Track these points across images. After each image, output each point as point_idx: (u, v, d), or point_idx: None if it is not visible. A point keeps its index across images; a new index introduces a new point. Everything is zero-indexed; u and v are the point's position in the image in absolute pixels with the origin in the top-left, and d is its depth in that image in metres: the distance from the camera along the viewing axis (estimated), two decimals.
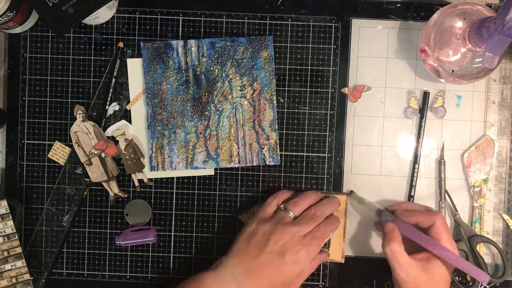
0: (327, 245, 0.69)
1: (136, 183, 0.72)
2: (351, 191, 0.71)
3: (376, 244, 0.72)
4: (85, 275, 0.72)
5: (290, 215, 0.65)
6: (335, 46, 0.71)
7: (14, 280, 0.68)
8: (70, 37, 0.72)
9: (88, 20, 0.69)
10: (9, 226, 0.68)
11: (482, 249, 0.71)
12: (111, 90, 0.71)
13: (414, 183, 0.71)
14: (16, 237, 0.68)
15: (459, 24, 0.63)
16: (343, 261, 0.70)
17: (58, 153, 0.71)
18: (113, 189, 0.71)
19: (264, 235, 0.63)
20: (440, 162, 0.71)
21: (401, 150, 0.71)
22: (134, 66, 0.71)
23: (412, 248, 0.63)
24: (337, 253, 0.70)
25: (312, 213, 0.65)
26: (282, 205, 0.66)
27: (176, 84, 0.71)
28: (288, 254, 0.62)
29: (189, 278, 0.64)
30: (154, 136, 0.71)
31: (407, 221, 0.64)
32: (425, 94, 0.71)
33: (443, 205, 0.71)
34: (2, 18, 0.64)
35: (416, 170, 0.71)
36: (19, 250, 0.68)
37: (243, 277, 0.62)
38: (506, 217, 0.71)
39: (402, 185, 0.71)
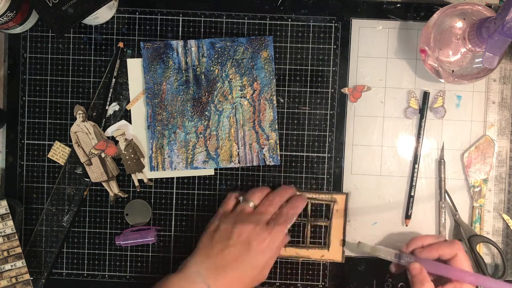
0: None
1: (136, 183, 0.72)
2: (358, 243, 0.69)
3: (376, 244, 0.71)
4: (85, 275, 0.72)
5: (250, 205, 0.66)
6: (335, 46, 0.71)
7: (14, 280, 0.68)
8: (70, 37, 0.72)
9: (88, 20, 0.69)
10: (9, 226, 0.68)
11: (482, 249, 0.71)
12: (111, 90, 0.71)
13: (414, 183, 0.71)
14: (16, 237, 0.68)
15: (459, 24, 0.63)
16: (343, 261, 0.70)
17: (58, 153, 0.71)
18: (113, 189, 0.71)
19: (226, 229, 0.63)
20: (440, 162, 0.71)
21: (401, 150, 0.71)
22: (134, 66, 0.71)
23: (436, 283, 0.62)
24: (337, 253, 0.70)
25: (270, 199, 0.66)
26: (241, 197, 0.67)
27: (176, 84, 0.71)
28: (253, 244, 0.62)
29: (157, 283, 0.63)
30: (154, 136, 0.71)
31: (429, 257, 0.63)
32: (425, 94, 0.71)
33: (443, 205, 0.71)
34: (2, 18, 0.64)
35: (416, 170, 0.71)
36: (19, 250, 0.68)
37: (210, 274, 0.61)
38: (506, 217, 0.71)
39: (402, 185, 0.71)
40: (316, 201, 0.71)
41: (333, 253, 0.70)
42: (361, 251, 0.69)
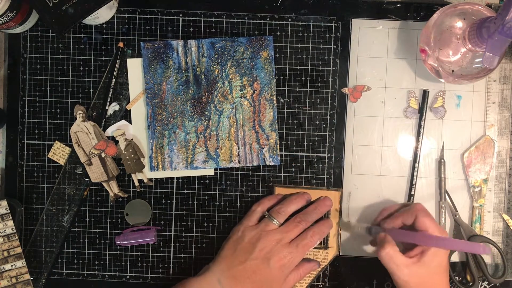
0: (323, 244, 0.70)
1: (136, 183, 0.72)
2: (340, 221, 0.71)
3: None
4: (85, 275, 0.72)
5: (274, 222, 0.66)
6: (335, 46, 0.71)
7: (14, 280, 0.68)
8: (70, 37, 0.72)
9: (88, 20, 0.69)
10: (9, 226, 0.68)
11: None
12: (111, 90, 0.71)
13: (414, 182, 0.71)
14: (16, 237, 0.68)
15: (459, 24, 0.63)
16: (340, 254, 0.71)
17: (58, 153, 0.71)
18: (113, 189, 0.71)
19: (250, 242, 0.65)
20: (440, 162, 0.71)
21: (401, 150, 0.71)
22: (134, 66, 0.71)
23: (405, 251, 0.63)
24: (334, 249, 0.71)
25: (297, 221, 0.66)
26: (267, 213, 0.67)
27: (176, 84, 0.71)
28: (273, 260, 0.63)
29: (175, 285, 0.66)
30: (154, 136, 0.71)
31: (393, 226, 0.64)
32: (424, 93, 0.71)
33: (443, 205, 0.71)
34: (2, 18, 0.64)
35: (416, 169, 0.71)
36: (19, 250, 0.68)
37: (229, 282, 0.63)
38: (506, 217, 0.71)
39: (402, 185, 0.71)
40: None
41: (331, 251, 0.71)
42: (345, 229, 0.71)
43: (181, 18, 0.72)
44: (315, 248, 0.71)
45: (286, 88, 0.72)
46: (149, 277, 0.72)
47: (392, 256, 0.61)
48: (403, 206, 0.67)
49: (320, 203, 0.69)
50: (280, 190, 0.71)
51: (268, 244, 0.64)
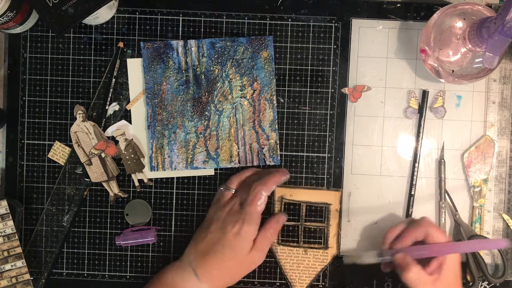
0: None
1: (136, 183, 0.72)
2: (343, 256, 0.71)
3: (376, 244, 0.71)
4: (85, 275, 0.72)
5: (231, 191, 0.67)
6: (335, 46, 0.71)
7: (14, 280, 0.68)
8: (70, 37, 0.72)
9: (88, 20, 0.69)
10: (9, 226, 0.68)
11: None
12: (111, 90, 0.71)
13: (414, 182, 0.71)
14: (16, 237, 0.68)
15: (459, 24, 0.63)
16: (339, 254, 0.71)
17: (58, 153, 0.71)
18: (113, 189, 0.71)
19: (210, 217, 0.67)
20: (440, 162, 0.71)
21: (401, 150, 0.71)
22: (134, 66, 0.71)
23: (422, 265, 0.63)
24: (334, 249, 0.71)
25: (247, 181, 0.67)
26: (222, 186, 0.68)
27: (176, 84, 0.71)
28: (227, 228, 0.64)
29: (152, 278, 0.67)
30: (154, 136, 0.71)
31: (405, 245, 0.64)
32: (424, 93, 0.71)
33: (443, 205, 0.71)
34: (2, 18, 0.64)
35: (416, 169, 0.71)
36: (19, 250, 0.68)
37: (197, 260, 0.64)
38: (506, 217, 0.71)
39: (402, 185, 0.71)
40: (312, 205, 0.71)
41: (331, 251, 0.71)
42: (347, 262, 0.70)
43: (181, 18, 0.72)
44: (315, 248, 0.71)
45: (286, 88, 0.72)
46: (149, 277, 0.72)
47: (419, 277, 0.61)
48: (408, 223, 0.66)
49: (276, 170, 0.68)
50: (281, 191, 0.71)
51: (221, 214, 0.65)
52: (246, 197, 0.65)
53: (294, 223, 0.71)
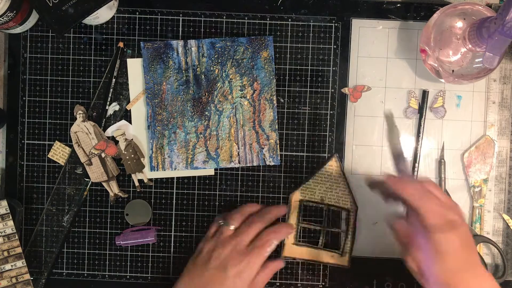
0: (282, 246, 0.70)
1: (136, 183, 0.72)
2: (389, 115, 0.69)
3: (376, 244, 0.72)
4: (85, 275, 0.72)
5: (231, 228, 0.65)
6: (335, 46, 0.71)
7: (14, 280, 0.68)
8: (70, 37, 0.72)
9: (88, 20, 0.69)
10: (9, 226, 0.68)
11: (482, 249, 0.71)
12: (111, 90, 0.71)
13: None
14: (16, 237, 0.68)
15: (459, 24, 0.63)
16: (349, 266, 0.71)
17: (58, 153, 0.71)
18: (113, 189, 0.71)
19: (208, 252, 0.64)
20: (440, 162, 0.71)
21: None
22: (134, 66, 0.71)
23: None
24: (344, 258, 0.71)
25: (250, 221, 0.65)
26: (221, 221, 0.66)
27: (176, 84, 0.71)
28: (229, 267, 0.62)
29: None
30: (154, 136, 0.71)
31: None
32: (424, 93, 0.71)
33: None
34: (2, 18, 0.64)
35: (416, 170, 0.71)
36: (19, 250, 0.68)
37: None
38: (506, 217, 0.71)
39: None
40: (335, 208, 0.71)
41: (343, 259, 0.70)
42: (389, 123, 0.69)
43: (181, 18, 0.72)
44: (330, 250, 0.71)
45: (286, 88, 0.72)
46: (149, 277, 0.72)
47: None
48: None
49: (276, 206, 0.69)
50: (296, 196, 0.71)
51: (223, 251, 0.63)
52: (253, 240, 0.64)
53: (314, 226, 0.71)
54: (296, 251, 0.71)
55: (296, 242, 0.71)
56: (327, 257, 0.71)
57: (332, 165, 0.70)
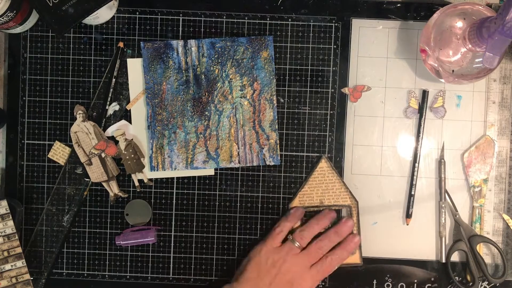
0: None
1: (136, 183, 0.72)
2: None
3: (375, 244, 0.72)
4: (85, 275, 0.72)
5: (297, 245, 0.67)
6: (335, 46, 0.71)
7: (14, 280, 0.68)
8: (70, 37, 0.72)
9: (88, 20, 0.69)
10: (9, 226, 0.68)
11: (482, 249, 0.71)
12: (111, 90, 0.71)
13: (414, 182, 0.71)
14: (16, 237, 0.68)
15: (459, 24, 0.63)
16: (361, 263, 0.71)
17: (58, 153, 0.71)
18: (113, 189, 0.71)
19: (274, 265, 0.66)
20: (440, 162, 0.71)
21: (401, 150, 0.71)
22: (134, 66, 0.71)
23: None
24: (355, 256, 0.71)
25: (318, 246, 0.68)
26: (290, 236, 0.68)
27: (176, 84, 0.71)
28: (295, 284, 0.65)
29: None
30: (154, 136, 0.71)
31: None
32: (424, 93, 0.71)
33: (443, 205, 0.71)
34: (2, 18, 0.64)
35: (416, 169, 0.71)
36: (19, 250, 0.68)
37: None
38: (506, 217, 0.71)
39: (402, 185, 0.71)
40: (337, 207, 0.71)
41: (354, 257, 0.70)
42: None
43: (181, 18, 0.72)
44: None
45: (286, 88, 0.72)
46: (149, 277, 0.72)
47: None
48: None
49: (341, 226, 0.69)
50: (295, 204, 0.71)
51: (292, 268, 0.65)
52: (319, 262, 0.67)
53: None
54: None
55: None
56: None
57: (323, 166, 0.70)
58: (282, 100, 0.72)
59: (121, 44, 0.71)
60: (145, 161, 0.71)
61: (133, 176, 0.71)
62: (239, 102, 0.71)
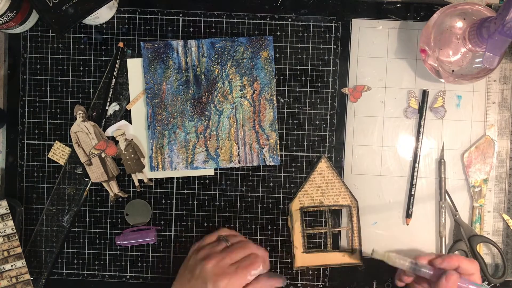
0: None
1: (136, 183, 0.72)
2: (373, 250, 0.66)
3: (375, 244, 0.72)
4: (85, 275, 0.72)
5: (227, 244, 0.64)
6: (335, 46, 0.71)
7: (14, 280, 0.68)
8: (70, 37, 0.72)
9: (88, 20, 0.69)
10: (9, 226, 0.68)
11: (482, 249, 0.71)
12: (111, 90, 0.71)
13: (414, 182, 0.71)
14: (16, 237, 0.68)
15: (459, 24, 0.63)
16: (361, 263, 0.71)
17: (58, 153, 0.71)
18: (113, 189, 0.71)
19: (196, 261, 0.63)
20: (440, 162, 0.71)
21: (401, 150, 0.71)
22: (134, 66, 0.71)
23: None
24: (355, 256, 0.71)
25: (245, 241, 0.65)
26: (223, 236, 0.66)
27: (176, 84, 0.71)
28: (210, 281, 0.61)
29: None
30: (154, 136, 0.71)
31: (449, 267, 0.62)
32: (424, 93, 0.71)
33: (443, 205, 0.71)
34: (2, 18, 0.64)
35: (416, 169, 0.71)
36: (19, 250, 0.68)
37: None
38: (506, 217, 0.71)
39: (402, 185, 0.71)
40: (337, 207, 0.71)
41: (355, 256, 0.70)
42: (375, 257, 0.66)
43: (181, 18, 0.72)
44: (340, 250, 0.71)
45: (286, 88, 0.72)
46: (149, 277, 0.72)
47: None
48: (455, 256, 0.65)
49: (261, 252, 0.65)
50: (296, 205, 0.71)
51: (209, 264, 0.62)
52: (240, 260, 0.63)
53: (320, 230, 0.71)
54: (308, 259, 0.71)
55: (306, 250, 0.71)
56: (339, 258, 0.71)
57: (323, 166, 0.70)
58: (282, 100, 0.72)
59: (121, 44, 0.71)
60: (145, 161, 0.71)
61: (133, 176, 0.71)
62: (239, 102, 0.71)
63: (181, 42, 0.71)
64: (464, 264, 0.62)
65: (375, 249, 0.66)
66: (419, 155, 0.71)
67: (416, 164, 0.71)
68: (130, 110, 0.72)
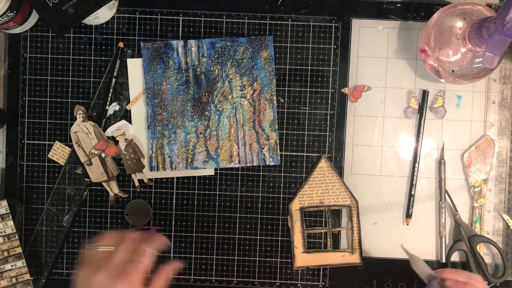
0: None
1: (136, 183, 0.72)
2: (402, 245, 0.69)
3: (375, 244, 0.72)
4: None
5: (99, 250, 0.56)
6: (335, 46, 0.71)
7: (14, 280, 0.68)
8: (70, 37, 0.72)
9: (88, 20, 0.69)
10: (9, 226, 0.68)
11: (482, 249, 0.71)
12: (111, 90, 0.71)
13: (414, 182, 0.71)
14: (16, 237, 0.68)
15: (459, 24, 0.63)
16: (361, 263, 0.71)
17: (58, 153, 0.71)
18: (113, 189, 0.71)
19: (81, 285, 0.55)
20: (440, 162, 0.71)
21: (401, 150, 0.71)
22: (134, 66, 0.71)
23: None
24: (355, 256, 0.71)
25: (121, 237, 0.57)
26: (88, 245, 0.57)
27: (176, 84, 0.71)
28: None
29: None
30: (154, 136, 0.71)
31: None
32: (424, 93, 0.71)
33: (443, 205, 0.71)
34: (2, 18, 0.64)
35: (416, 169, 0.71)
36: (19, 250, 0.68)
37: None
38: (506, 217, 0.71)
39: (402, 185, 0.71)
40: (337, 207, 0.71)
41: (355, 256, 0.71)
42: (405, 253, 0.67)
43: (181, 18, 0.72)
44: (340, 250, 0.71)
45: (286, 88, 0.72)
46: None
47: None
48: (470, 278, 0.61)
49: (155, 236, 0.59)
50: (295, 205, 0.71)
51: (96, 278, 0.53)
52: (124, 266, 0.54)
53: (320, 230, 0.71)
54: (308, 259, 0.71)
55: (306, 250, 0.71)
56: (339, 258, 0.71)
57: (323, 166, 0.70)
58: (282, 100, 0.72)
59: (121, 44, 0.71)
60: (145, 161, 0.71)
61: (133, 176, 0.71)
62: (239, 102, 0.71)
63: (181, 42, 0.71)
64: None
65: (404, 247, 0.69)
66: (419, 155, 0.71)
67: (416, 164, 0.71)
68: (130, 110, 0.72)
